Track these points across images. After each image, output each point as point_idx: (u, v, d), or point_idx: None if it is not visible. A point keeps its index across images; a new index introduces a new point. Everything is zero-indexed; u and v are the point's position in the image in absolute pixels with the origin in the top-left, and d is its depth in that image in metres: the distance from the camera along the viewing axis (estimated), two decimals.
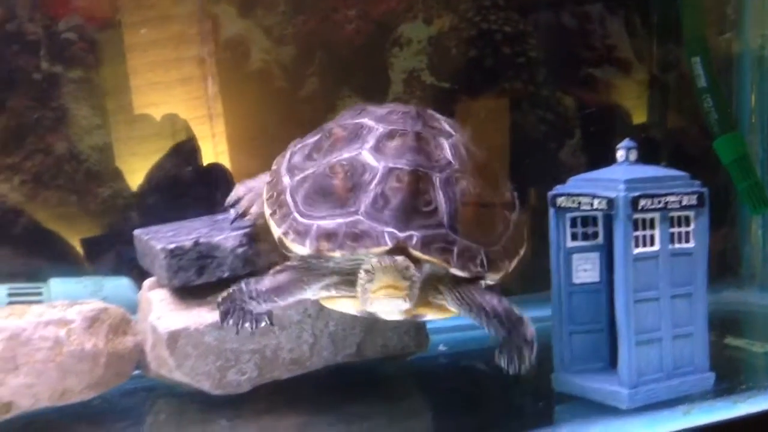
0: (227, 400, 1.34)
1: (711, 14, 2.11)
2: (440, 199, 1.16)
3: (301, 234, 1.16)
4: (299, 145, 1.33)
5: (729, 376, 1.36)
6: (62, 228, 1.73)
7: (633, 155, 1.33)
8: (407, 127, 1.23)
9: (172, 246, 1.38)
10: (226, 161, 1.87)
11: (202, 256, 1.38)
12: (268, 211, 1.26)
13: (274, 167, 1.33)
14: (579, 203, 1.30)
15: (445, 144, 1.23)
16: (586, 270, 1.35)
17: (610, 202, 1.25)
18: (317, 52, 1.96)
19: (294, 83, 1.94)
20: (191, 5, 1.86)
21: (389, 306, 1.11)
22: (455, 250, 1.13)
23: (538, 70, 2.10)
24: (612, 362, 1.32)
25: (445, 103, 2.02)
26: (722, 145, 1.96)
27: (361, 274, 1.10)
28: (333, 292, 1.19)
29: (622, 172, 1.29)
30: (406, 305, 1.11)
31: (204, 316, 1.34)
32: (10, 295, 1.52)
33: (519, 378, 1.19)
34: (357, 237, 1.12)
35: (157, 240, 1.44)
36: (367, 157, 1.19)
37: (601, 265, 1.35)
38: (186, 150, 1.84)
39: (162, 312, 1.36)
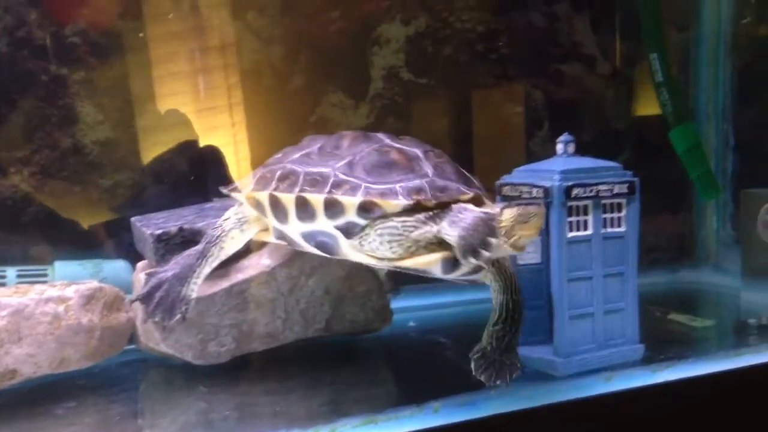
0: (209, 370, 1.45)
1: (669, 11, 2.16)
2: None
3: (387, 193, 1.20)
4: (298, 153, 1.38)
5: (659, 348, 1.44)
6: (69, 215, 1.83)
7: (570, 148, 1.41)
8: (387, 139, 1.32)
9: (159, 231, 1.49)
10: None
11: (186, 240, 1.48)
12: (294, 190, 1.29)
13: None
14: (521, 192, 1.39)
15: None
16: (529, 252, 1.43)
17: (546, 191, 1.33)
18: (303, 51, 2.04)
19: (282, 80, 2.02)
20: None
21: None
22: None
23: (509, 67, 2.17)
24: (551, 335, 1.40)
25: (423, 98, 2.11)
26: (676, 135, 2.03)
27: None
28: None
29: (558, 164, 1.37)
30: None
31: None
32: (19, 276, 1.62)
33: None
34: (442, 189, 1.21)
35: (148, 226, 1.55)
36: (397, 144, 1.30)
37: (543, 247, 1.43)
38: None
39: None
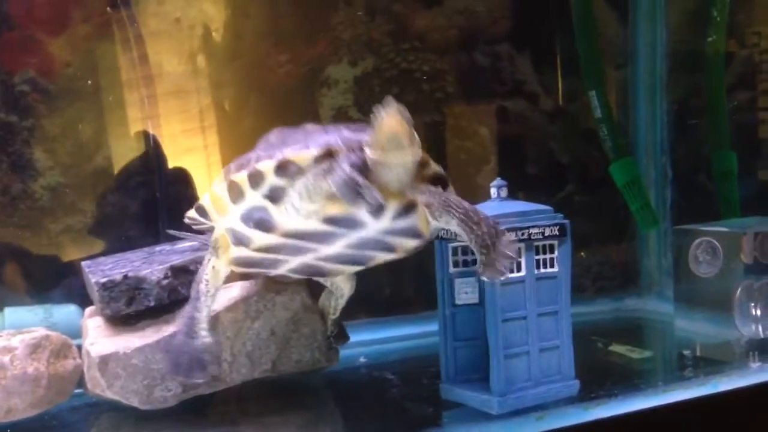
0: (158, 414, 1.45)
1: (607, 50, 2.22)
2: None
3: (300, 150, 1.22)
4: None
5: (595, 383, 1.47)
6: (19, 260, 1.82)
7: (503, 192, 1.45)
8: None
9: (104, 279, 1.49)
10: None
11: (131, 288, 1.49)
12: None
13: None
14: (456, 235, 1.41)
15: None
16: (466, 293, 1.46)
17: None
18: (253, 95, 2.06)
19: (232, 123, 2.04)
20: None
21: (400, 156, 1.17)
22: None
23: (455, 104, 2.21)
24: (488, 373, 1.42)
25: None
26: (616, 169, 2.08)
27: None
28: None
29: (492, 208, 1.40)
30: (410, 158, 1.18)
31: (132, 340, 1.44)
32: None
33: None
34: (352, 139, 1.21)
35: (94, 273, 1.55)
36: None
37: (480, 287, 1.46)
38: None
39: (95, 338, 1.47)
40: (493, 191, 1.45)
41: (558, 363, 1.42)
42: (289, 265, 1.34)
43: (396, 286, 2.09)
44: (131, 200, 1.92)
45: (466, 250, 1.47)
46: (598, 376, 1.53)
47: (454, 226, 1.26)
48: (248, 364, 1.51)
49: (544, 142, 2.28)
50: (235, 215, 1.30)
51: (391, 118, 1.14)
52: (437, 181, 1.29)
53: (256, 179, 1.24)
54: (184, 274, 1.52)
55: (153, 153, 1.92)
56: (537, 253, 1.40)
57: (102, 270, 1.57)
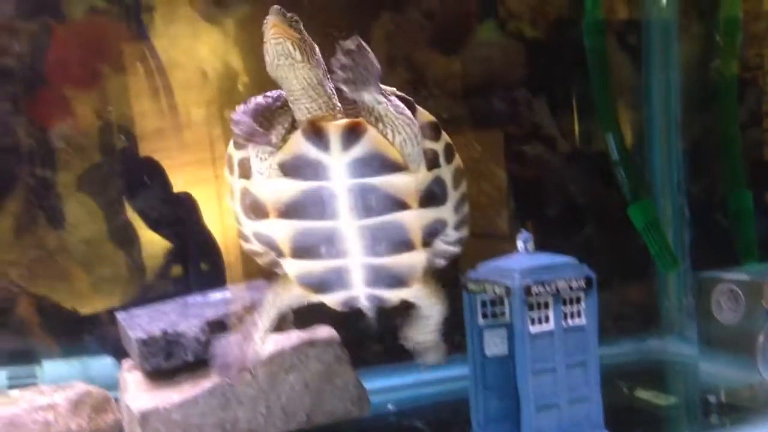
0: None
1: (621, 92, 2.26)
2: None
3: None
4: None
5: None
6: (56, 313, 1.87)
7: (530, 245, 1.48)
8: None
9: (144, 336, 1.53)
10: None
11: (170, 343, 1.53)
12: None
13: None
14: (485, 288, 1.45)
15: None
16: (496, 344, 1.49)
17: (508, 289, 1.39)
18: None
19: None
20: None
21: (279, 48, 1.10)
22: None
23: (474, 149, 2.25)
24: (519, 425, 1.44)
25: None
26: (634, 212, 2.10)
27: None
28: None
29: (518, 262, 1.43)
30: (303, 66, 1.11)
31: (171, 396, 1.48)
32: (9, 378, 1.66)
33: None
34: None
35: (132, 328, 1.59)
36: None
37: (510, 339, 1.49)
38: None
39: (136, 393, 1.50)
40: (519, 244, 1.48)
41: (587, 413, 1.44)
42: (345, 274, 1.27)
43: None
44: (162, 249, 1.96)
45: (494, 302, 1.50)
46: (627, 425, 1.55)
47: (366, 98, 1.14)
48: (283, 417, 1.54)
49: (562, 184, 2.31)
50: (241, 214, 1.29)
51: (274, 26, 1.08)
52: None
53: (229, 164, 1.25)
54: (220, 329, 1.56)
55: (184, 204, 1.96)
56: (564, 305, 1.43)
57: (139, 324, 1.61)
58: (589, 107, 2.23)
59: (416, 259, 1.29)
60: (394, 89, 1.23)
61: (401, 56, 2.16)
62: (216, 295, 1.75)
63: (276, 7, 1.08)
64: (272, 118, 1.19)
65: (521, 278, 1.38)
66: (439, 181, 1.27)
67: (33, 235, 1.85)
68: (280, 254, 1.27)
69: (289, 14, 1.09)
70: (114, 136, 1.91)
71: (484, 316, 1.50)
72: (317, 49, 1.13)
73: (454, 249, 1.42)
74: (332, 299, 1.33)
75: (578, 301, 1.44)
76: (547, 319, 1.41)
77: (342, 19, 2.10)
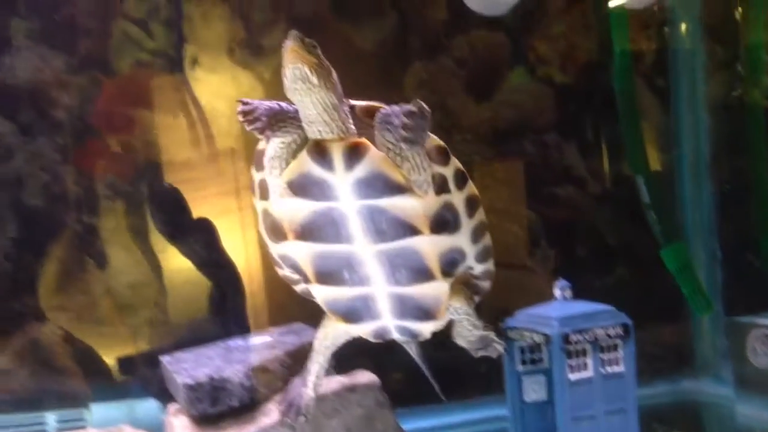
0: None
1: (650, 134, 2.28)
2: None
3: None
4: None
5: None
6: (102, 356, 1.91)
7: (568, 293, 1.51)
8: None
9: (190, 381, 1.56)
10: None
11: (216, 389, 1.56)
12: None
13: None
14: (524, 336, 1.47)
15: None
16: (535, 390, 1.51)
17: (547, 337, 1.42)
18: None
19: None
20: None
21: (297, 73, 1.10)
22: None
23: (506, 191, 2.28)
24: None
25: None
26: (667, 255, 2.12)
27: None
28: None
29: (557, 310, 1.46)
30: (321, 92, 1.12)
31: None
32: (58, 422, 1.70)
33: None
34: None
35: (178, 372, 1.63)
36: None
37: (549, 385, 1.51)
38: None
39: None
40: (557, 292, 1.51)
41: None
42: (371, 303, 1.28)
43: (456, 370, 2.14)
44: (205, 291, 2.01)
45: (533, 349, 1.52)
46: None
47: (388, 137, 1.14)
48: None
49: (593, 226, 2.33)
50: (266, 236, 1.29)
51: (292, 51, 1.09)
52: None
53: (252, 186, 1.26)
54: (263, 374, 1.59)
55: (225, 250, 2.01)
56: (602, 353, 1.45)
57: (185, 369, 1.64)
58: (619, 149, 2.26)
59: (439, 289, 1.28)
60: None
61: (434, 102, 2.20)
62: (257, 339, 1.78)
63: (294, 32, 1.09)
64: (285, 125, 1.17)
65: (560, 327, 1.41)
66: (449, 207, 1.24)
67: (80, 281, 1.90)
68: (307, 279, 1.29)
69: (307, 40, 1.10)
70: (159, 184, 1.96)
71: (523, 362, 1.52)
72: (334, 73, 1.14)
73: (485, 283, 1.40)
74: (363, 329, 1.33)
75: (616, 348, 1.47)
76: (585, 367, 1.43)
77: (377, 68, 2.16)
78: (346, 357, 1.49)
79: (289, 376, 1.53)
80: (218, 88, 2.01)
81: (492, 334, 1.39)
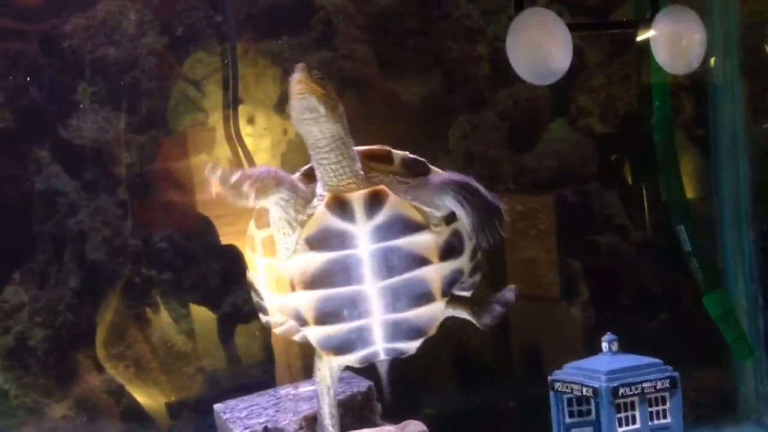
0: None
1: (692, 183, 2.31)
2: None
3: None
4: None
5: None
6: (158, 404, 1.97)
7: (614, 346, 1.53)
8: None
9: (247, 431, 1.61)
10: None
11: None
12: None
13: None
14: (572, 389, 1.50)
15: None
16: None
17: (596, 390, 1.44)
18: None
19: None
20: None
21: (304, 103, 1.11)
22: None
23: (548, 240, 2.31)
24: None
25: None
26: (709, 301, 2.13)
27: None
28: None
29: (604, 363, 1.48)
30: (329, 124, 1.14)
31: None
32: None
33: None
34: None
35: (233, 421, 1.67)
36: None
37: None
38: None
39: None
40: (604, 345, 1.53)
41: None
42: (366, 333, 1.28)
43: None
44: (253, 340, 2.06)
45: (581, 401, 1.54)
46: None
47: (450, 202, 1.18)
48: None
49: (635, 273, 2.35)
50: (265, 290, 1.31)
51: (299, 83, 1.10)
52: (412, 168, 1.24)
53: (251, 243, 1.28)
54: (314, 424, 1.63)
55: None
56: (650, 406, 1.47)
57: (239, 417, 1.69)
58: (659, 197, 2.29)
59: (436, 309, 1.30)
60: (406, 152, 1.26)
61: (477, 153, 2.26)
62: (307, 388, 1.82)
63: (301, 64, 1.10)
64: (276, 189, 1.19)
65: (609, 380, 1.43)
66: (457, 234, 1.27)
67: (138, 330, 1.97)
68: (303, 323, 1.29)
69: (315, 71, 1.12)
70: (213, 237, 2.03)
71: (571, 414, 1.54)
72: (341, 107, 1.16)
73: (467, 294, 1.41)
74: (352, 358, 1.34)
75: (664, 401, 1.48)
76: (633, 420, 1.45)
77: (423, 121, 2.22)
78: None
79: (341, 428, 1.57)
80: (270, 144, 2.08)
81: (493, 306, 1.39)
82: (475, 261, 1.37)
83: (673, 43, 1.97)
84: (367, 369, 1.44)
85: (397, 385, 1.49)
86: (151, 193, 2.00)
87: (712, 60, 2.31)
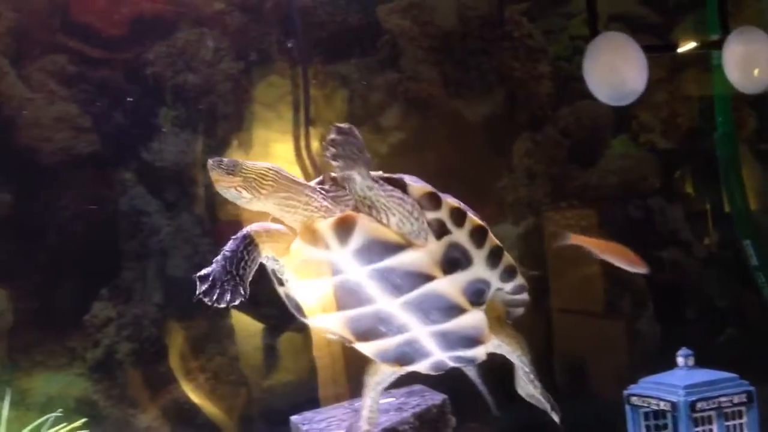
0: None
1: (757, 198, 2.30)
2: None
3: None
4: None
5: None
6: (234, 418, 2.03)
7: (690, 361, 1.54)
8: None
9: None
10: None
11: None
12: None
13: None
14: (649, 403, 1.51)
15: None
16: None
17: (674, 405, 1.46)
18: None
19: None
20: None
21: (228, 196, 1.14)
22: None
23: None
24: None
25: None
26: None
27: None
28: None
29: (681, 378, 1.50)
30: (242, 193, 1.13)
31: None
32: None
33: None
34: None
35: None
36: None
37: None
38: None
39: None
40: (680, 360, 1.55)
41: None
42: (418, 344, 1.29)
43: None
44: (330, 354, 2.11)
45: (657, 415, 1.56)
46: None
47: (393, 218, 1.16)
48: None
49: (700, 288, 2.35)
50: (295, 312, 1.30)
51: (215, 181, 1.12)
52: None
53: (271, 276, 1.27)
54: None
55: None
56: (726, 420, 1.48)
57: (318, 429, 1.73)
58: (723, 212, 2.29)
59: (475, 318, 1.28)
60: (380, 172, 1.21)
61: (541, 170, 2.29)
62: (383, 400, 1.86)
63: (209, 161, 1.11)
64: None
65: (687, 394, 1.45)
66: (455, 246, 1.22)
67: (217, 344, 2.04)
68: (349, 341, 1.31)
69: (225, 161, 1.11)
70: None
71: (647, 428, 1.56)
72: (271, 173, 1.14)
73: (521, 296, 1.37)
74: (421, 367, 1.36)
75: (740, 415, 1.49)
76: None
77: (486, 139, 2.26)
78: None
79: None
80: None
81: (550, 398, 1.39)
82: (503, 266, 1.29)
83: (745, 63, 1.99)
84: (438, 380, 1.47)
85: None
86: (228, 211, 2.07)
87: None
